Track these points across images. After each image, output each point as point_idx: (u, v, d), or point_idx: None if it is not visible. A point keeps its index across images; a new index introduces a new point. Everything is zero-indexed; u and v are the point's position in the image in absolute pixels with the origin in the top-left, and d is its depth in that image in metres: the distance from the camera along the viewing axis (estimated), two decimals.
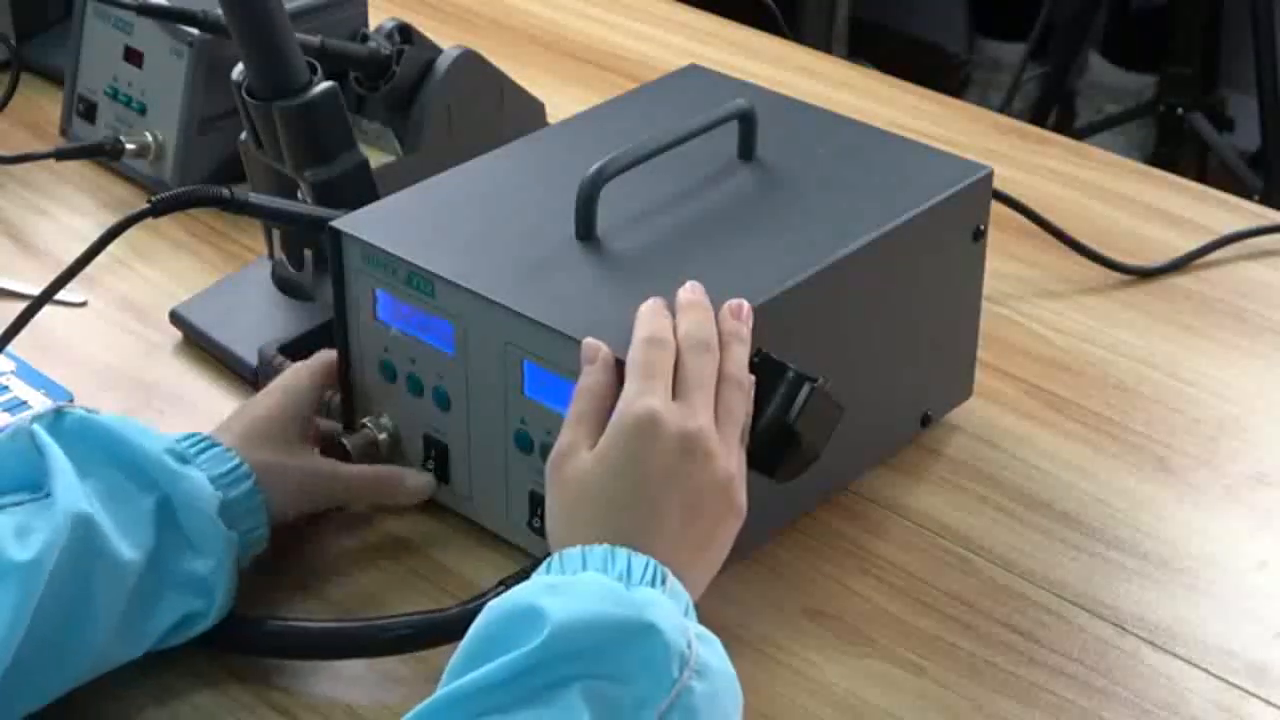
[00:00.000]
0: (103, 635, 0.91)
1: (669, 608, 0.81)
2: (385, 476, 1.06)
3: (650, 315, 0.92)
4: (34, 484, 0.92)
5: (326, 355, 1.08)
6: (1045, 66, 2.90)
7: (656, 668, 0.78)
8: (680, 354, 0.90)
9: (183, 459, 0.96)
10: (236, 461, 0.98)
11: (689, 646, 0.79)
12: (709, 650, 0.81)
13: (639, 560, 0.83)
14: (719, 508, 0.88)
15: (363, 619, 0.98)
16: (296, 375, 1.06)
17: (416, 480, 1.05)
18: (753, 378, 0.92)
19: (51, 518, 0.89)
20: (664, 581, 0.83)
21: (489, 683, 0.76)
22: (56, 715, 0.91)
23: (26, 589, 0.87)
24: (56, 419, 0.94)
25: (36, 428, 0.93)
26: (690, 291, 0.94)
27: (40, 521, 0.89)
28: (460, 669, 0.78)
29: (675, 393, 0.88)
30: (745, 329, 0.92)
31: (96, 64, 1.47)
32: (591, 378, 0.90)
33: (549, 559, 0.84)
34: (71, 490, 0.90)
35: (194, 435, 0.99)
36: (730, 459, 0.88)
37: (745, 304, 0.93)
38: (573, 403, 0.90)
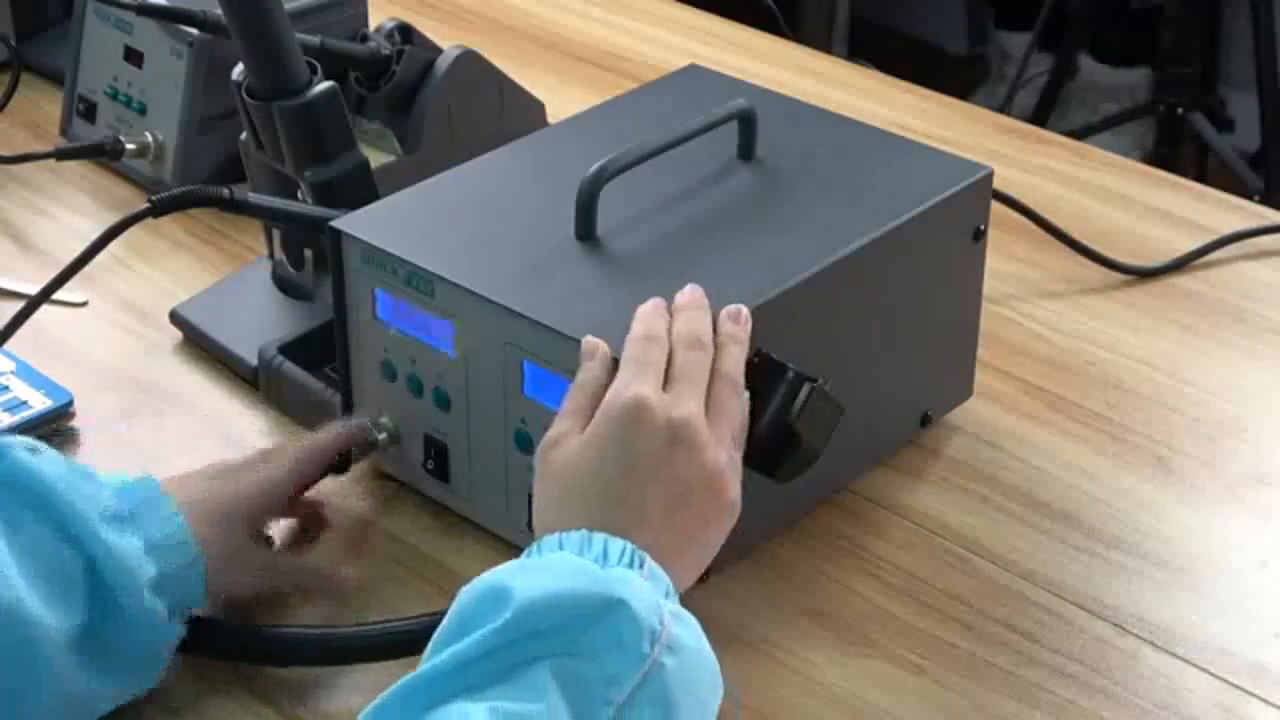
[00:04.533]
0: (50, 709, 0.87)
1: (642, 586, 0.79)
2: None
3: (647, 314, 0.91)
4: None
5: (320, 438, 1.03)
6: (1053, 60, 2.89)
7: (626, 644, 0.76)
8: (673, 349, 0.89)
9: (120, 518, 0.90)
10: (179, 526, 0.92)
11: (661, 623, 0.78)
12: (684, 629, 0.79)
13: (616, 544, 0.82)
14: (706, 500, 0.86)
15: (362, 623, 0.97)
16: (280, 464, 1.00)
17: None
18: (747, 394, 0.91)
19: None
20: (641, 565, 0.81)
21: (458, 663, 0.75)
22: None
23: None
24: None
25: None
26: (688, 294, 0.93)
27: None
28: (433, 652, 0.78)
29: (667, 385, 0.88)
30: (743, 333, 0.92)
31: (96, 64, 1.47)
32: (588, 373, 0.90)
33: (530, 546, 0.84)
34: None
35: (145, 483, 0.93)
36: (720, 453, 0.87)
37: (744, 309, 0.93)
38: (567, 397, 0.90)
